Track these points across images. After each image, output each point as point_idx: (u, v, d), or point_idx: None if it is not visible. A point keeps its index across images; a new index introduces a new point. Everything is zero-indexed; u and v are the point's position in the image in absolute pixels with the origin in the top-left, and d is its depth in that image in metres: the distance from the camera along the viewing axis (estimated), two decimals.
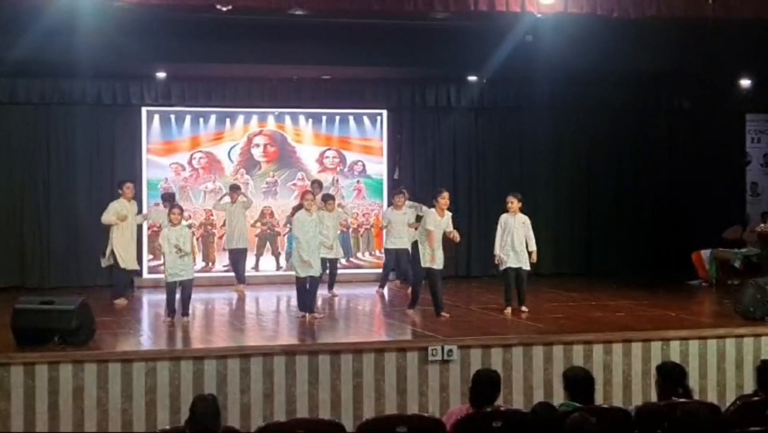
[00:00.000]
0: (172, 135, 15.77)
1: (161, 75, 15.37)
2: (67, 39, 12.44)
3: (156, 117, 15.70)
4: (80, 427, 8.82)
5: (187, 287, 11.40)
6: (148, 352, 9.47)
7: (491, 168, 16.94)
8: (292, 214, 11.95)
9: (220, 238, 15.31)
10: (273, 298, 14.21)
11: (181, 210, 11.80)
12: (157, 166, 15.67)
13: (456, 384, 9.49)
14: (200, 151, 15.87)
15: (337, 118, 16.31)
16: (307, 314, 11.50)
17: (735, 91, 16.63)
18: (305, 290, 11.63)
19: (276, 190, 16.00)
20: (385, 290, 14.25)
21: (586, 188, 17.39)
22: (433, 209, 11.63)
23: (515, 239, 11.83)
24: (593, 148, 17.31)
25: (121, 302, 12.91)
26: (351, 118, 16.37)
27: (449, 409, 7.92)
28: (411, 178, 16.32)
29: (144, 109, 15.63)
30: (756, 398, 6.97)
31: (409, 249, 13.10)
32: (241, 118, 16.03)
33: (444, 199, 11.65)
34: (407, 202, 13.92)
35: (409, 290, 12.61)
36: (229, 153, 15.96)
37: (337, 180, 16.27)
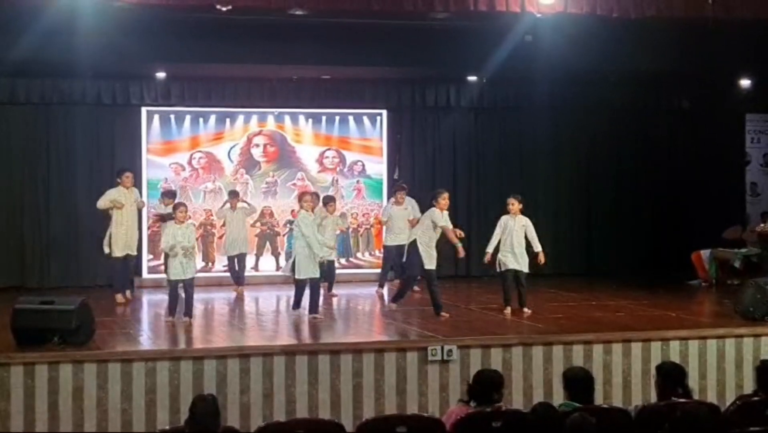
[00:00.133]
0: (171, 135, 15.77)
1: (161, 75, 15.37)
2: (67, 39, 12.44)
3: (156, 117, 15.70)
4: (80, 427, 8.82)
5: (189, 286, 11.40)
6: (147, 352, 9.47)
7: (491, 168, 16.94)
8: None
9: (220, 238, 15.31)
10: (273, 298, 14.21)
11: (186, 208, 11.80)
12: (157, 166, 15.67)
13: (456, 384, 9.49)
14: (200, 151, 15.87)
15: (337, 118, 16.31)
16: (308, 315, 11.50)
17: (735, 91, 16.63)
18: (303, 290, 11.62)
19: (276, 191, 16.00)
20: (385, 290, 14.25)
21: (586, 188, 17.39)
22: (434, 209, 11.63)
23: (515, 241, 11.81)
24: (593, 148, 17.31)
25: (119, 298, 12.88)
26: (351, 118, 16.37)
27: (449, 409, 7.91)
28: (411, 178, 16.30)
29: (144, 109, 15.63)
30: (756, 398, 6.97)
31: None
32: (240, 118, 16.03)
33: (444, 199, 11.67)
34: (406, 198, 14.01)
35: (384, 287, 12.56)
36: (228, 153, 15.96)
37: (337, 180, 16.27)
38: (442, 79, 16.36)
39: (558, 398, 8.27)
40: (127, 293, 13.19)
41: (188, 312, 11.33)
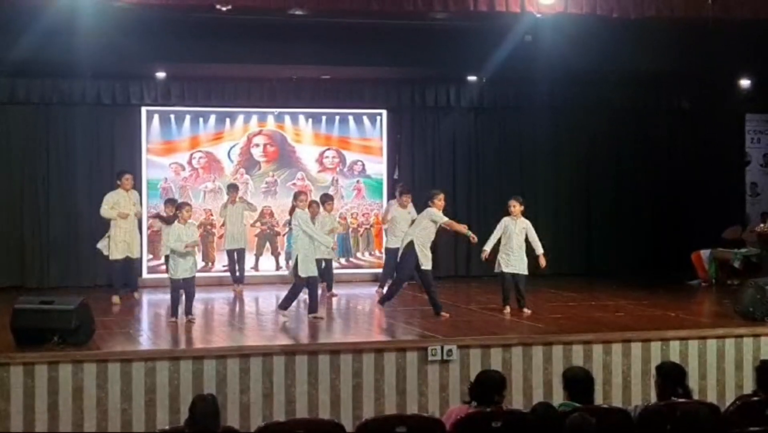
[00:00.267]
0: (171, 135, 15.77)
1: (161, 75, 15.37)
2: (67, 39, 12.43)
3: (156, 117, 15.70)
4: (80, 427, 8.82)
5: (191, 285, 11.40)
6: (147, 352, 9.47)
7: (491, 168, 16.94)
8: (291, 214, 11.91)
9: (220, 238, 15.31)
10: (272, 298, 14.18)
11: (191, 207, 11.83)
12: (157, 166, 15.68)
13: (456, 384, 9.49)
14: (200, 151, 15.87)
15: (337, 118, 16.31)
16: (309, 314, 11.51)
17: (735, 91, 16.63)
18: (299, 291, 11.60)
19: (276, 190, 16.00)
20: (385, 290, 14.22)
21: (586, 188, 17.39)
22: (431, 208, 11.63)
23: (515, 244, 11.81)
24: (593, 149, 17.31)
25: (115, 299, 12.87)
26: (351, 118, 16.37)
27: (449, 409, 7.91)
28: (411, 178, 16.31)
29: (144, 109, 15.63)
30: (755, 398, 6.97)
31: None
32: (240, 118, 16.03)
33: (441, 200, 11.69)
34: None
35: (385, 288, 12.54)
36: (228, 153, 15.97)
37: (337, 180, 16.28)
38: (442, 79, 16.36)
39: (558, 398, 8.27)
40: (135, 294, 13.13)
41: (189, 311, 11.33)
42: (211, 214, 15.65)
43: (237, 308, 13.41)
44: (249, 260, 15.32)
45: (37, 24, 11.56)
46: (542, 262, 11.95)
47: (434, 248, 15.32)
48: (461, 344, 9.70)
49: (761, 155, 17.93)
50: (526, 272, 11.90)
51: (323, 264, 13.16)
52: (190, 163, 15.84)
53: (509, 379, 9.45)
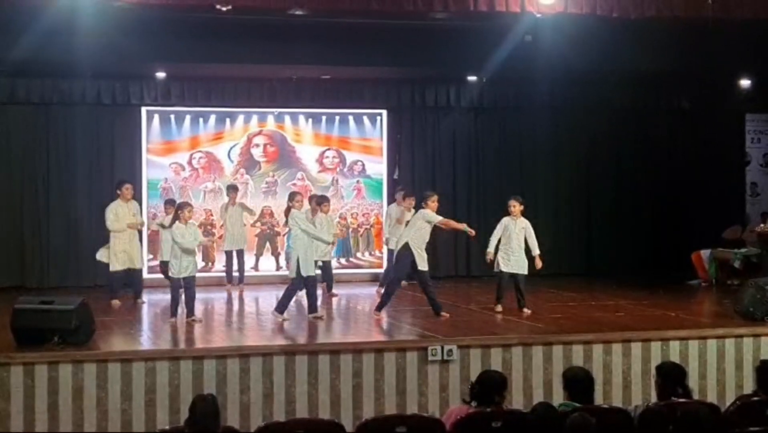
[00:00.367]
0: (171, 135, 15.77)
1: (161, 75, 15.37)
2: (67, 39, 12.43)
3: (156, 117, 15.70)
4: (80, 427, 8.82)
5: (191, 284, 11.40)
6: (147, 352, 9.47)
7: (491, 168, 16.94)
8: (287, 214, 11.90)
9: (220, 238, 15.30)
10: (272, 298, 14.14)
11: (192, 207, 11.87)
12: (157, 166, 15.68)
13: (456, 384, 9.49)
14: (200, 151, 15.87)
15: (337, 118, 16.32)
16: (309, 315, 11.51)
17: (735, 91, 16.63)
18: (295, 292, 11.60)
19: (276, 191, 15.99)
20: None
21: (586, 188, 17.39)
22: (425, 210, 11.64)
23: (514, 244, 11.83)
24: (593, 149, 17.31)
25: (115, 303, 12.86)
26: (351, 118, 16.37)
27: (449, 408, 7.91)
28: (411, 178, 16.32)
29: (144, 109, 15.63)
30: (756, 398, 6.97)
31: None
32: (240, 118, 16.03)
33: (434, 202, 11.69)
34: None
35: (381, 290, 12.54)
36: (228, 153, 15.97)
37: (337, 180, 16.28)
38: (442, 79, 16.36)
39: (558, 398, 8.27)
40: (139, 301, 13.09)
41: (191, 312, 11.33)
42: (212, 214, 15.65)
43: (237, 308, 13.40)
44: (249, 260, 15.32)
45: (37, 24, 11.56)
46: (538, 263, 11.97)
47: (433, 248, 15.41)
48: (461, 344, 9.70)
49: (761, 155, 17.93)
50: (526, 272, 11.91)
51: (320, 264, 13.15)
52: (190, 163, 15.84)
53: (509, 379, 9.47)
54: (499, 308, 11.85)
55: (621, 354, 10.03)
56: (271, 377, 9.22)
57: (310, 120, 16.23)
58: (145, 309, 12.85)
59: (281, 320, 11.39)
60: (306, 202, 13.28)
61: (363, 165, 16.41)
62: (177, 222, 11.37)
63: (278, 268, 15.75)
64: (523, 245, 11.91)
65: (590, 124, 17.20)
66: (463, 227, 11.90)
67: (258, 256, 15.81)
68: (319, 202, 13.00)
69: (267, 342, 10.12)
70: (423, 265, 11.53)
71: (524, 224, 11.97)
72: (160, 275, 13.92)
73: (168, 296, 11.63)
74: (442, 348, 9.57)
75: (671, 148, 17.67)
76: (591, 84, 16.14)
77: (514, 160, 17.07)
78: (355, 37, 13.50)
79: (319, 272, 13.18)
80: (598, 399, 8.31)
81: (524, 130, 17.03)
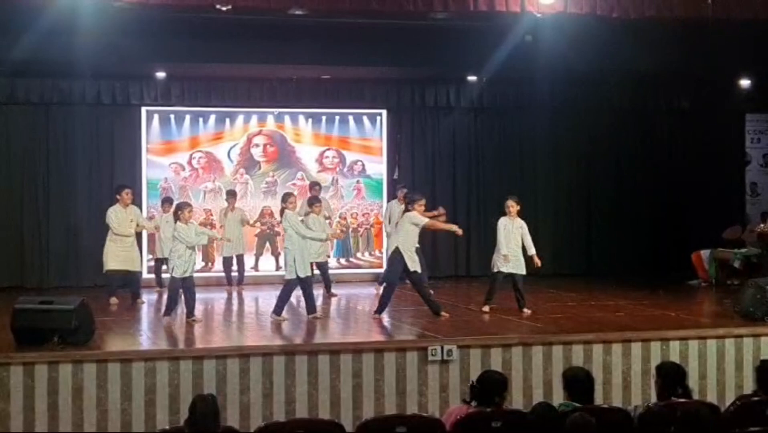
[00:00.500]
0: (171, 135, 15.78)
1: (161, 75, 15.37)
2: (67, 39, 12.43)
3: (156, 117, 15.70)
4: (79, 427, 8.82)
5: (190, 284, 11.40)
6: (147, 352, 9.47)
7: (491, 168, 16.95)
8: (281, 215, 11.89)
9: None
10: (272, 298, 14.13)
11: (192, 207, 11.90)
12: (157, 166, 15.68)
13: (455, 384, 9.49)
14: (200, 151, 15.87)
15: (337, 118, 16.32)
16: (308, 315, 11.51)
17: (735, 91, 16.64)
18: (291, 293, 11.60)
19: (275, 191, 15.98)
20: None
21: (586, 188, 17.39)
22: (412, 212, 11.65)
23: (512, 244, 11.85)
24: (593, 148, 17.31)
25: (113, 300, 12.86)
26: (350, 118, 16.38)
27: (449, 408, 7.91)
28: (410, 178, 16.31)
29: (144, 109, 15.63)
30: (756, 398, 6.97)
31: (418, 248, 13.03)
32: (240, 118, 16.03)
33: (421, 206, 11.72)
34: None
35: (381, 290, 12.54)
36: (228, 153, 15.97)
37: (337, 180, 16.28)
38: (442, 79, 16.36)
39: (558, 398, 8.27)
40: (139, 301, 13.08)
41: (191, 312, 11.32)
42: (212, 214, 15.65)
43: (237, 308, 13.40)
44: (249, 260, 15.32)
45: (37, 24, 11.55)
46: (537, 262, 11.98)
47: (433, 248, 15.43)
48: (461, 344, 9.70)
49: (761, 155, 17.93)
50: (524, 272, 11.91)
51: (314, 266, 13.09)
52: (190, 163, 15.84)
53: (509, 379, 9.47)
54: (487, 308, 11.86)
55: (621, 354, 10.03)
56: (271, 377, 9.22)
57: (310, 120, 16.23)
58: (144, 309, 12.84)
59: (280, 320, 11.39)
60: (300, 202, 13.26)
61: (363, 165, 16.41)
62: (178, 222, 11.39)
63: (278, 268, 15.70)
64: (520, 245, 11.92)
65: (590, 124, 17.20)
66: (449, 227, 11.93)
67: (258, 256, 15.80)
68: (311, 203, 12.87)
69: (267, 342, 10.13)
70: (414, 266, 11.53)
71: (520, 223, 11.99)
72: (161, 275, 13.94)
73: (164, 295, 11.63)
74: (442, 348, 9.57)
75: (671, 148, 17.67)
76: (591, 84, 16.14)
77: (514, 160, 17.08)
78: (355, 37, 13.50)
79: (317, 272, 13.19)
80: (598, 399, 8.30)
81: (524, 131, 17.03)
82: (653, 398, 7.48)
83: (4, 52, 12.76)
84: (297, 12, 11.87)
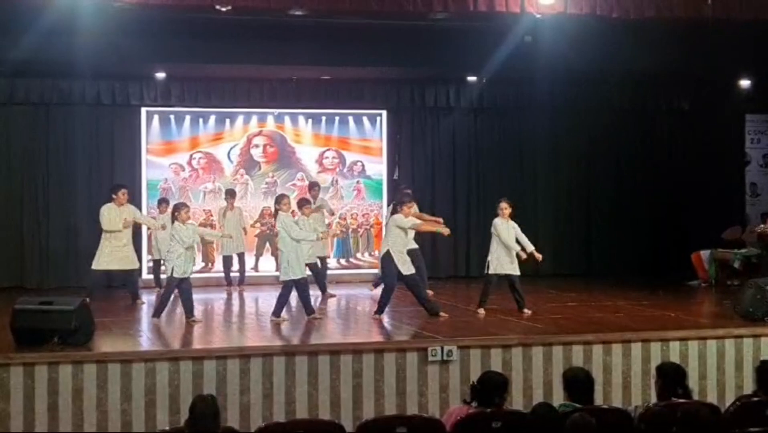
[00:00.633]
0: (171, 135, 15.78)
1: (161, 75, 15.37)
2: (67, 39, 12.44)
3: (155, 117, 15.70)
4: (79, 427, 8.82)
5: (188, 284, 11.40)
6: (147, 352, 9.46)
7: (491, 168, 16.94)
8: (274, 217, 11.87)
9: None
10: (272, 298, 14.13)
11: (189, 208, 11.91)
12: (157, 167, 15.68)
13: (456, 385, 9.49)
14: (200, 152, 15.87)
15: (337, 118, 16.32)
16: (307, 316, 11.51)
17: (734, 91, 16.63)
18: (289, 294, 11.60)
19: (275, 191, 15.90)
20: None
21: (586, 188, 17.39)
22: (398, 215, 11.66)
23: (509, 245, 11.85)
24: (593, 149, 17.31)
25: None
26: (350, 118, 16.38)
27: (449, 409, 7.91)
28: (410, 178, 16.31)
29: (143, 110, 15.63)
30: (756, 399, 6.97)
31: (418, 249, 13.04)
32: (240, 119, 16.03)
33: (409, 208, 11.72)
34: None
35: (378, 291, 12.54)
36: (228, 153, 15.97)
37: (337, 180, 16.28)
38: (442, 80, 16.36)
39: (558, 398, 8.27)
40: (138, 301, 13.07)
41: (190, 312, 11.31)
42: (211, 215, 15.65)
43: (237, 309, 13.40)
44: (249, 260, 15.32)
45: (37, 24, 11.55)
46: (538, 256, 11.94)
47: (433, 248, 15.42)
48: (461, 345, 9.70)
49: (761, 156, 17.92)
50: (518, 272, 11.90)
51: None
52: (189, 163, 15.84)
53: (509, 379, 9.47)
54: (482, 311, 11.85)
55: (621, 355, 10.02)
56: (271, 378, 9.22)
57: (310, 120, 16.23)
58: (144, 309, 12.83)
59: (280, 321, 11.39)
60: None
61: (363, 165, 16.41)
62: (176, 222, 11.40)
63: (278, 268, 15.70)
64: (513, 246, 11.92)
65: (590, 124, 17.20)
66: (436, 228, 11.91)
67: (258, 256, 15.80)
68: (300, 205, 12.79)
69: (267, 343, 10.13)
70: (406, 269, 11.55)
71: (513, 224, 11.99)
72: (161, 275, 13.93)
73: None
74: (442, 349, 9.57)
75: (671, 148, 17.67)
76: (591, 84, 16.15)
77: (514, 160, 17.08)
78: (355, 37, 13.50)
79: (309, 273, 13.16)
80: (598, 400, 8.31)
81: (524, 131, 17.03)
82: (653, 399, 7.48)
83: (4, 52, 12.77)
84: (297, 12, 11.87)
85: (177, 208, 11.63)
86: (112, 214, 12.96)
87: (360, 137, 16.42)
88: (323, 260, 14.61)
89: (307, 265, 12.13)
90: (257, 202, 15.73)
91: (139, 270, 13.90)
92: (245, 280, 14.83)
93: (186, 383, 9.04)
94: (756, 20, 11.83)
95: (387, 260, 11.62)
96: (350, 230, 16.23)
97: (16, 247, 15.22)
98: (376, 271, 15.52)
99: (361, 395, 9.37)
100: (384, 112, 16.48)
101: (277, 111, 16.07)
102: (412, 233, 12.21)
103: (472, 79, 16.15)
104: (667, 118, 17.58)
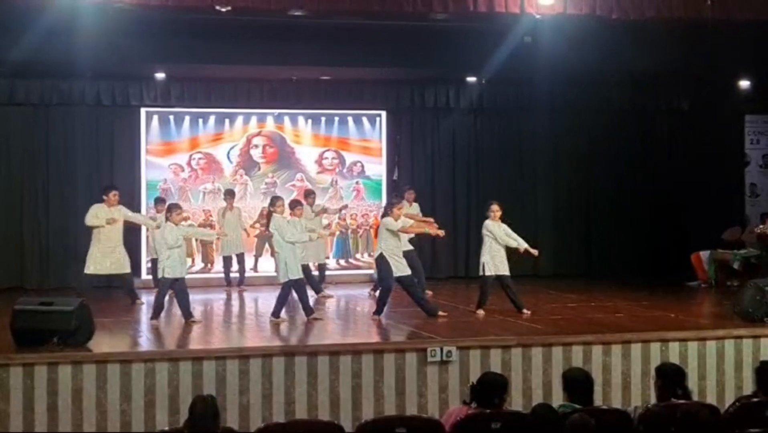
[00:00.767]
0: (171, 136, 15.77)
1: (160, 76, 15.37)
2: (67, 39, 12.44)
3: (155, 118, 15.70)
4: (79, 428, 8.82)
5: (183, 287, 11.39)
6: (146, 353, 9.47)
7: (490, 169, 16.94)
8: (268, 219, 11.85)
9: (219, 239, 15.28)
10: (272, 299, 14.13)
11: (182, 209, 11.91)
12: (156, 167, 15.67)
13: (455, 385, 9.49)
14: (199, 152, 15.87)
15: (336, 119, 16.32)
16: (307, 317, 11.52)
17: (734, 92, 16.63)
18: (288, 295, 11.60)
19: (275, 191, 15.94)
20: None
21: (586, 188, 17.39)
22: (387, 218, 11.66)
23: (501, 246, 11.86)
24: (593, 149, 17.31)
25: None
26: (350, 119, 16.38)
27: (448, 409, 7.91)
28: (410, 179, 16.30)
29: (143, 110, 15.63)
30: (755, 400, 6.97)
31: (413, 250, 13.03)
32: (240, 119, 16.03)
33: (399, 210, 11.73)
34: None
35: (376, 293, 12.53)
36: (228, 154, 15.97)
37: (336, 181, 16.27)
38: (442, 80, 16.36)
39: (557, 399, 8.27)
40: (138, 302, 13.06)
41: (188, 314, 11.30)
42: (211, 215, 15.65)
43: (236, 309, 13.39)
44: (248, 261, 15.31)
45: (37, 24, 11.55)
46: (534, 252, 11.99)
47: (432, 249, 15.41)
48: (461, 345, 9.69)
49: (761, 156, 17.91)
50: (508, 273, 11.91)
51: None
52: (189, 164, 15.84)
53: (509, 380, 9.47)
54: (481, 312, 11.85)
55: (620, 355, 10.02)
56: (270, 378, 9.22)
57: (310, 121, 16.23)
58: (143, 310, 12.83)
59: (279, 322, 11.39)
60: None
61: (362, 166, 16.41)
62: (167, 222, 11.42)
63: (277, 269, 15.69)
64: (504, 247, 11.94)
65: (590, 125, 17.20)
66: (425, 229, 11.91)
67: (257, 257, 15.77)
68: (292, 206, 12.74)
69: (266, 343, 10.13)
70: (400, 271, 11.55)
71: (504, 226, 12.01)
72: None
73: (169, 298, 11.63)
74: (442, 349, 9.56)
75: (671, 149, 17.67)
76: (591, 84, 16.15)
77: (514, 161, 17.08)
78: (355, 37, 13.50)
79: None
80: (598, 400, 8.30)
81: (524, 131, 17.04)
82: (653, 399, 7.47)
83: (4, 53, 12.77)
84: (297, 13, 11.87)
85: (170, 209, 11.65)
86: (99, 213, 12.95)
87: (359, 138, 16.42)
88: (322, 266, 14.62)
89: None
90: (257, 203, 15.72)
91: (133, 272, 13.88)
92: (245, 280, 14.82)
93: (185, 383, 9.04)
94: (756, 20, 11.83)
95: (381, 263, 11.65)
96: (350, 231, 16.23)
97: (16, 247, 15.23)
98: (374, 271, 15.57)
99: (361, 396, 9.37)
100: (384, 113, 16.48)
101: (276, 111, 16.07)
102: (406, 235, 12.20)
103: (471, 79, 16.16)
104: (667, 118, 17.59)
